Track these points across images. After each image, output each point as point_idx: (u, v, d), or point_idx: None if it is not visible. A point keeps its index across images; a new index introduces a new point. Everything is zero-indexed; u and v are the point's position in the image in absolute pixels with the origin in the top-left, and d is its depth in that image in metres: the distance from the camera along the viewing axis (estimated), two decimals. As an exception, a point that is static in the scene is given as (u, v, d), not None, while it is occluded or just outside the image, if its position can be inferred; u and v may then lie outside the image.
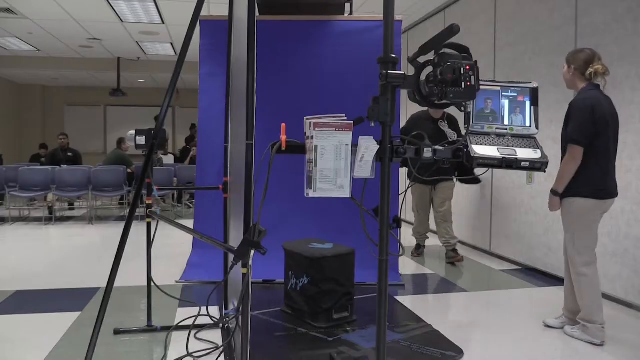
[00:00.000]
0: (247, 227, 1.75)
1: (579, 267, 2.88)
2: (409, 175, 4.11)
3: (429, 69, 1.65)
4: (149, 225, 2.95)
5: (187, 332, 2.76)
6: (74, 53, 10.36)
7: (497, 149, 1.74)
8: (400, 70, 1.55)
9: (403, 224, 7.22)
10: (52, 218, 7.75)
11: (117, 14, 7.26)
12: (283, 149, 1.57)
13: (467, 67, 1.56)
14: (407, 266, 4.76)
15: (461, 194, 5.63)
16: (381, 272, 1.53)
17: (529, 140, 1.83)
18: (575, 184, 2.86)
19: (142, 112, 13.69)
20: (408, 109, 7.06)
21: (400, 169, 4.65)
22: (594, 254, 2.92)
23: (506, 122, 1.85)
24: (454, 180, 4.90)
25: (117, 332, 2.99)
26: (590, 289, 2.87)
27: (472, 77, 1.56)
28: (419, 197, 5.02)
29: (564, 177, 2.86)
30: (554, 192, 2.93)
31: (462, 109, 1.74)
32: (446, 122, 4.08)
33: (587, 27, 3.94)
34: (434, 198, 4.96)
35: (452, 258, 4.83)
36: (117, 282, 2.20)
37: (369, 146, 1.54)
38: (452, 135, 3.96)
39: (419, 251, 5.24)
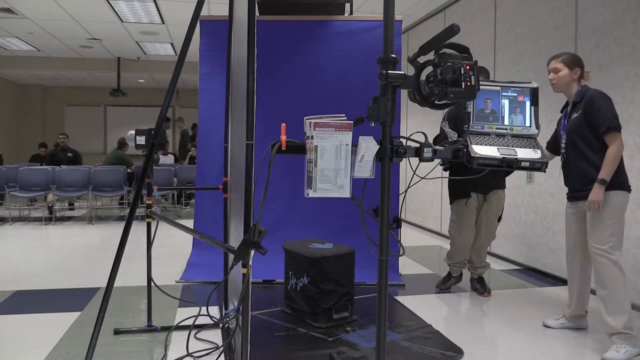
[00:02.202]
0: (247, 227, 1.75)
1: (620, 262, 2.72)
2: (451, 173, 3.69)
3: (429, 69, 1.65)
4: (149, 225, 2.96)
5: (187, 332, 2.76)
6: (74, 53, 10.36)
7: (497, 149, 1.74)
8: (400, 70, 1.55)
9: (403, 224, 7.22)
10: (52, 218, 7.75)
11: (117, 14, 7.27)
12: (283, 149, 1.57)
13: (467, 67, 1.56)
14: (407, 266, 4.76)
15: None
16: (381, 272, 1.53)
17: (529, 140, 1.83)
18: (620, 176, 2.75)
19: (142, 112, 13.72)
20: (408, 109, 7.07)
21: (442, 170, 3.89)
22: None
23: (506, 122, 1.85)
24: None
25: (117, 332, 2.99)
26: (626, 291, 2.72)
27: (472, 77, 1.57)
28: (467, 212, 3.77)
29: (614, 165, 2.70)
30: (602, 181, 2.67)
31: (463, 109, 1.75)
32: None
33: (587, 27, 3.94)
34: (485, 213, 3.81)
35: (477, 291, 3.94)
36: (117, 282, 2.20)
37: (369, 146, 1.54)
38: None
39: (446, 285, 3.98)
